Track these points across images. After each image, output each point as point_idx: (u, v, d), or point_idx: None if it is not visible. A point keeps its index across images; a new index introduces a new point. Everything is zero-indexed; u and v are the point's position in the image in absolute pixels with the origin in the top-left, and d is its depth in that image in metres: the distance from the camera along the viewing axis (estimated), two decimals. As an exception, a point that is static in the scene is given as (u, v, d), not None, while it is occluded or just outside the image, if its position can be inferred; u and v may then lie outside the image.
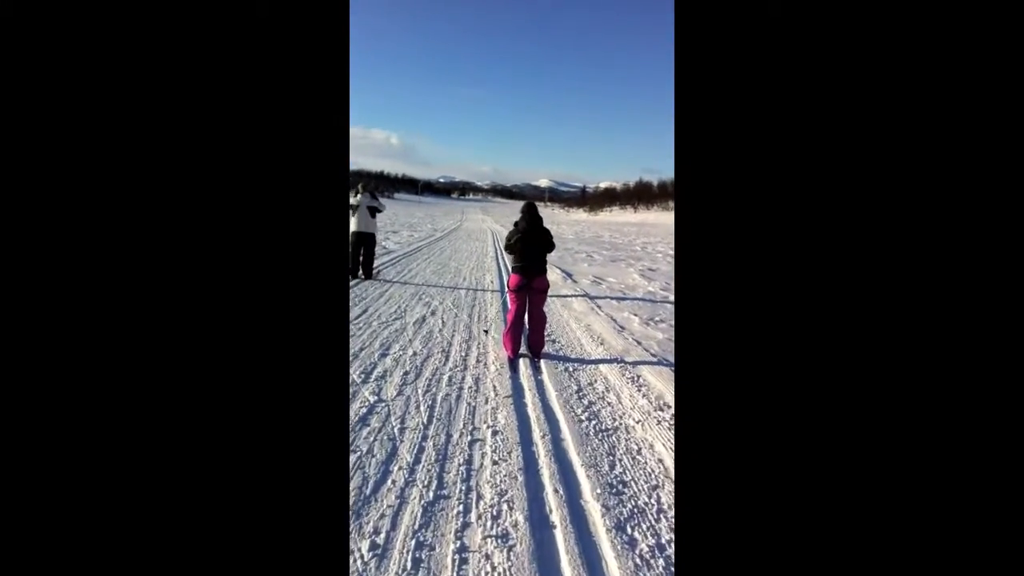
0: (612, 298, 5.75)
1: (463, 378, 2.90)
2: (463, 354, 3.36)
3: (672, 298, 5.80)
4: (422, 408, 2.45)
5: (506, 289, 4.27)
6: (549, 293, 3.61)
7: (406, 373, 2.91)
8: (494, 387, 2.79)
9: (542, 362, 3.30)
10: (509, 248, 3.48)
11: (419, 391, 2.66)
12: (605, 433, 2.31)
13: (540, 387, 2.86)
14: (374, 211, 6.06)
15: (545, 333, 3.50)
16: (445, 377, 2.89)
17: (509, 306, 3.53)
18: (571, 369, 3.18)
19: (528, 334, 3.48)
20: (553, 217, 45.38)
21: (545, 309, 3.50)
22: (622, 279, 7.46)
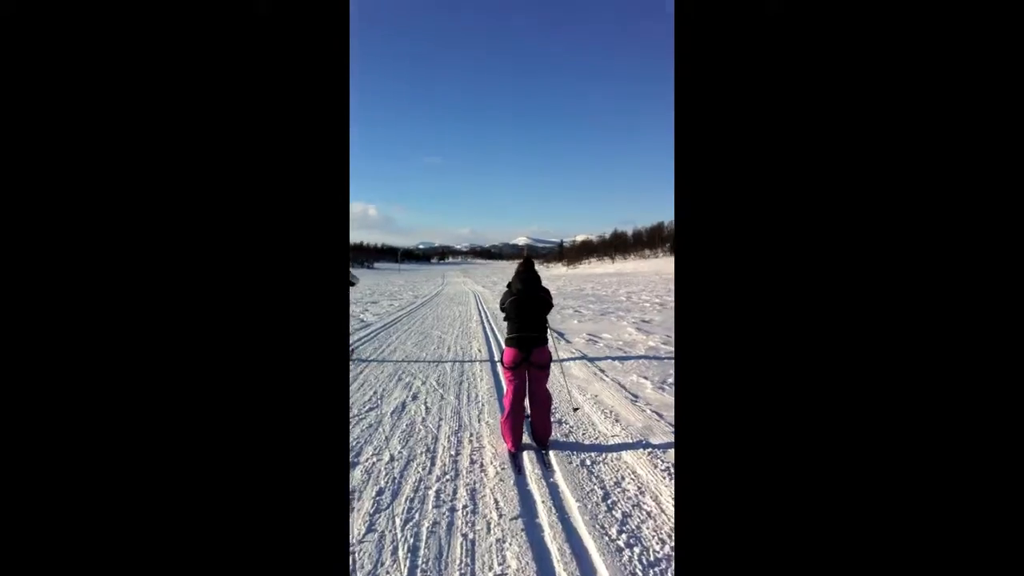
0: (613, 359, 5.20)
1: (455, 492, 2.25)
2: (453, 452, 2.71)
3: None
4: (401, 553, 1.78)
5: (500, 367, 3.70)
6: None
7: (380, 493, 2.24)
8: (496, 503, 2.14)
9: (551, 454, 2.67)
10: (505, 316, 2.95)
11: (397, 522, 1.99)
12: (658, 568, 1.67)
13: (555, 495, 2.22)
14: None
15: (551, 416, 2.90)
16: (431, 493, 2.23)
17: (505, 387, 2.93)
18: (588, 462, 2.55)
19: (530, 420, 2.87)
20: (534, 274, 45.38)
21: (548, 386, 2.92)
22: (618, 335, 6.94)
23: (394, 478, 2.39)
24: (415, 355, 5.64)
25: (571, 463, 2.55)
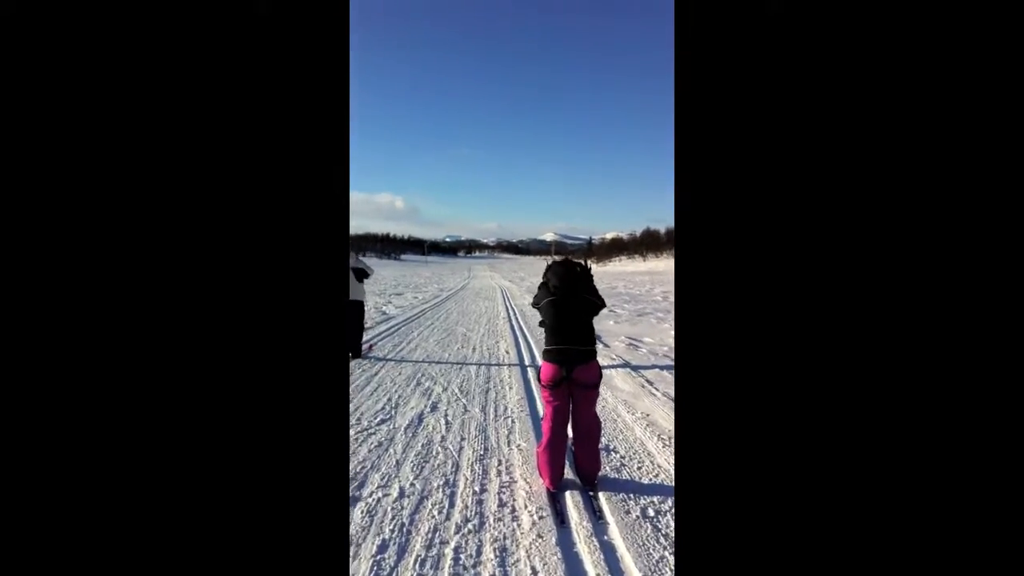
0: (660, 367, 4.57)
1: (479, 551, 1.71)
2: (477, 488, 2.18)
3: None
4: (402, 661, 1.25)
5: (536, 385, 3.14)
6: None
7: (383, 546, 1.73)
8: (533, 574, 1.60)
9: (601, 497, 2.11)
10: (540, 321, 2.39)
11: (400, 601, 1.47)
12: None
13: (614, 565, 1.65)
14: (360, 274, 5.04)
15: (600, 446, 2.32)
16: (448, 552, 1.70)
17: (542, 409, 2.38)
18: (651, 512, 1.98)
19: (574, 451, 2.30)
20: (561, 270, 44.54)
21: (598, 410, 2.34)
22: (660, 339, 6.29)
23: (402, 524, 1.87)
24: (437, 355, 5.15)
25: (629, 513, 1.98)
